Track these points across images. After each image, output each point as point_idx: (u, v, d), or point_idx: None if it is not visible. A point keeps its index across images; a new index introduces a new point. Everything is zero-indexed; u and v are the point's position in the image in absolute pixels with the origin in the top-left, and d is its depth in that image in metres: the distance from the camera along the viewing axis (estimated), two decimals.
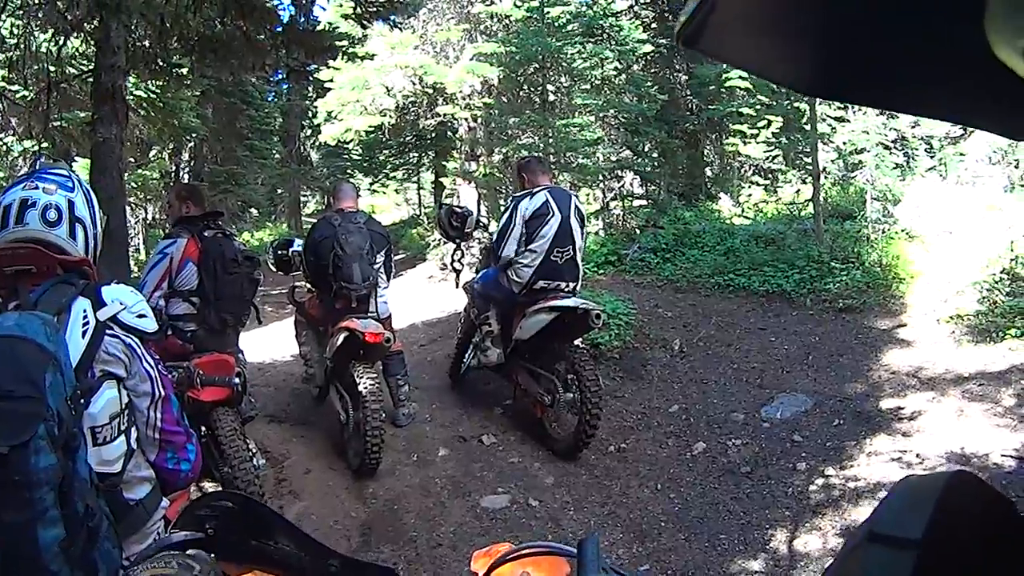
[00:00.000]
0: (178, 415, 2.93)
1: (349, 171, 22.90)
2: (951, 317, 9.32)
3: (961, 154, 14.71)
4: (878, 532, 0.72)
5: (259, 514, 1.88)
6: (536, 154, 12.24)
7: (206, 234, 5.95)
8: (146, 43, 10.67)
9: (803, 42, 0.81)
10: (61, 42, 10.50)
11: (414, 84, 15.00)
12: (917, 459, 6.73)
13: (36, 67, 11.25)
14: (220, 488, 5.35)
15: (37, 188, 2.69)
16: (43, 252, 2.63)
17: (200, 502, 1.97)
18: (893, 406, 7.69)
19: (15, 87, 11.79)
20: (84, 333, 2.56)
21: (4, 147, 14.20)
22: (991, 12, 0.61)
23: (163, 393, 2.82)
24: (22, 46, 10.90)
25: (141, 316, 2.78)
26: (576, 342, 7.35)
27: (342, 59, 14.87)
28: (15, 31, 11.18)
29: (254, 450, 6.07)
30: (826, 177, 13.48)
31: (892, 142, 14.18)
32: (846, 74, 0.85)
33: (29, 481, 2.19)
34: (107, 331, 2.63)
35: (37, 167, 2.81)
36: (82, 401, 2.45)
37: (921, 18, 0.70)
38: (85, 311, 2.59)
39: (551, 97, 15.41)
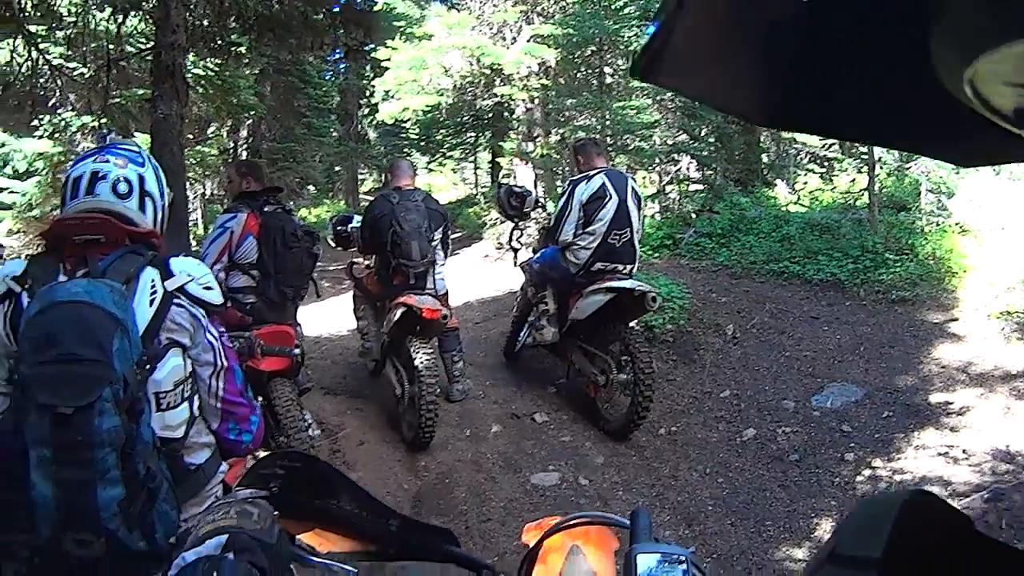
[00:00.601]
0: (242, 386, 2.99)
1: (406, 150, 23.00)
2: (1002, 313, 9.22)
3: None
4: (839, 553, 0.73)
5: (323, 474, 1.91)
6: (592, 136, 12.23)
7: (266, 209, 6.08)
8: (205, 22, 10.75)
9: (756, 73, 0.82)
10: (120, 20, 10.60)
11: (471, 64, 14.97)
12: (963, 455, 6.72)
13: (94, 44, 11.36)
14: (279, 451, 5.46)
15: (108, 161, 2.75)
16: (112, 222, 2.69)
17: (265, 461, 1.99)
18: (942, 400, 7.66)
19: (73, 64, 11.89)
20: (152, 302, 2.63)
21: (63, 122, 14.35)
22: (936, 43, 0.63)
23: (226, 364, 2.89)
24: (80, 24, 11.01)
25: (208, 288, 2.83)
26: (631, 324, 7.39)
27: (400, 39, 14.91)
28: (73, 9, 11.29)
29: (310, 421, 6.21)
30: (881, 167, 13.26)
31: None
32: (800, 105, 0.85)
33: (92, 442, 2.29)
34: (174, 301, 2.70)
35: (107, 141, 2.87)
36: (148, 367, 2.55)
37: (872, 50, 0.72)
38: (153, 281, 2.66)
39: (608, 79, 15.38)
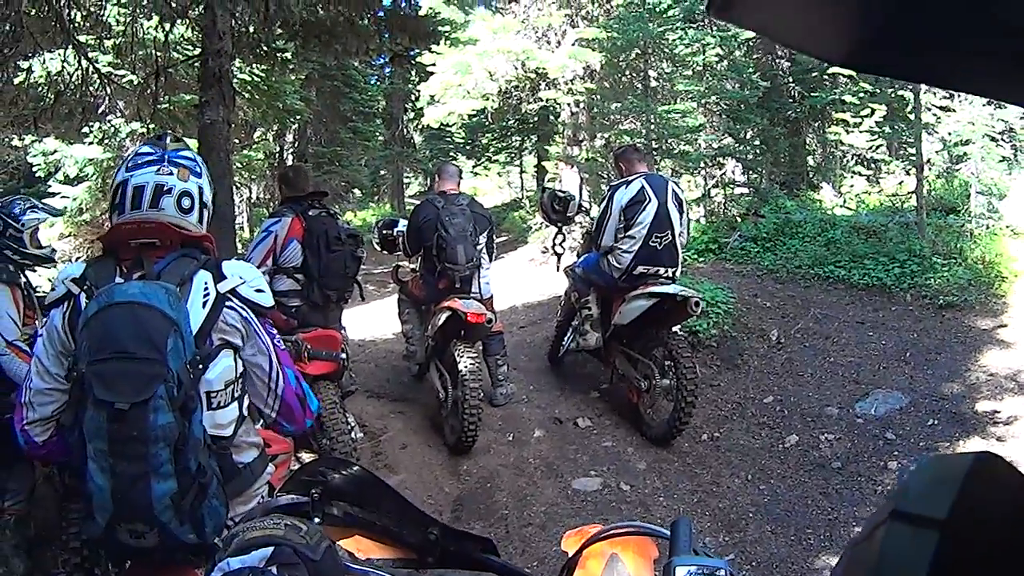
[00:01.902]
0: (298, 388, 3.08)
1: (452, 153, 23.08)
2: None
3: None
4: (901, 510, 0.70)
5: (365, 481, 1.94)
6: (634, 142, 12.21)
7: (310, 213, 6.14)
8: (251, 28, 10.84)
9: (835, 11, 0.78)
10: (168, 28, 10.72)
11: (516, 69, 14.95)
12: None
13: (142, 53, 11.49)
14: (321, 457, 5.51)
15: (172, 174, 2.85)
16: (168, 226, 2.80)
17: (308, 468, 2.04)
18: (989, 409, 7.57)
19: (121, 72, 12.04)
20: (205, 303, 2.74)
21: (112, 129, 14.53)
22: None
23: (279, 364, 2.98)
24: (128, 32, 11.15)
25: (259, 291, 2.93)
26: (674, 329, 7.43)
27: (445, 44, 14.95)
28: (120, 18, 11.43)
29: (353, 423, 6.26)
30: (930, 169, 13.13)
31: (999, 134, 13.71)
32: (881, 45, 0.81)
33: (147, 437, 2.40)
34: (226, 303, 2.80)
35: (167, 146, 2.95)
36: (200, 366, 2.65)
37: None
38: (206, 283, 2.77)
39: (653, 83, 15.31)
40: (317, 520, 1.71)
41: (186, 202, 2.87)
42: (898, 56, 0.85)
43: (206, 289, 2.76)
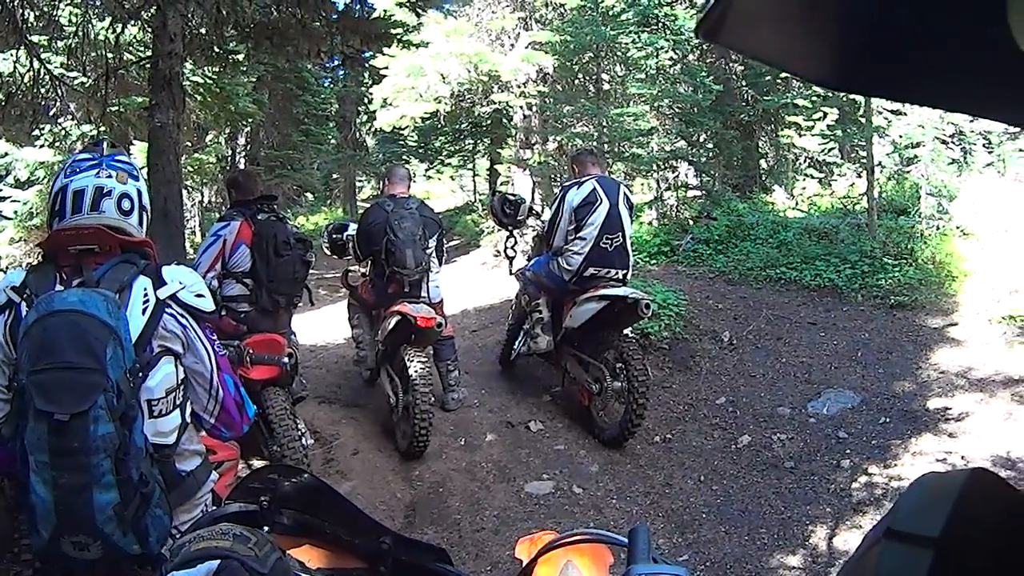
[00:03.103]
0: (236, 395, 3.05)
1: (404, 157, 22.97)
2: (1004, 318, 9.21)
3: (1021, 150, 14.48)
4: (895, 529, 0.71)
5: (314, 489, 1.90)
6: (589, 146, 12.24)
7: (259, 217, 6.08)
8: (202, 30, 10.77)
9: (826, 34, 0.79)
10: (119, 30, 10.62)
11: (469, 72, 14.96)
12: (962, 461, 6.70)
13: (94, 54, 11.39)
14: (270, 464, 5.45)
15: (111, 177, 2.82)
16: (107, 232, 2.75)
17: (256, 475, 1.99)
18: (941, 406, 7.65)
19: (73, 73, 11.93)
20: (144, 310, 2.69)
21: (63, 131, 14.39)
22: (1012, 5, 0.61)
23: (218, 370, 2.94)
24: (80, 33, 11.05)
25: (199, 296, 2.89)
26: (626, 331, 7.44)
27: (397, 46, 14.91)
28: (73, 19, 11.33)
29: (303, 429, 6.18)
30: (881, 171, 13.28)
31: (949, 137, 13.93)
32: (869, 67, 0.83)
33: (87, 448, 2.37)
34: (166, 309, 2.76)
35: (104, 152, 2.91)
36: (140, 374, 2.61)
37: (944, 8, 0.70)
38: (146, 289, 2.73)
39: (606, 86, 15.38)
40: (266, 529, 1.66)
41: (126, 204, 2.84)
42: (888, 77, 0.86)
43: (146, 295, 2.72)
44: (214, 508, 2.29)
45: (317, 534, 1.86)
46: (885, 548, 0.70)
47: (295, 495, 1.86)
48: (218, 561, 1.34)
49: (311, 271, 6.50)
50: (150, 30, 10.34)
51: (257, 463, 5.59)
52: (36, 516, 2.41)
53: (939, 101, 1.01)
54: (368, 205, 9.45)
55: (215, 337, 3.02)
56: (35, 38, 10.44)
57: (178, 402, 2.80)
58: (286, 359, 5.63)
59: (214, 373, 2.93)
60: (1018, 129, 14.41)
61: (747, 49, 0.86)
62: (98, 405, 2.39)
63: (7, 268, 14.59)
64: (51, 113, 13.44)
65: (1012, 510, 0.73)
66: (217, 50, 11.55)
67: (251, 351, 5.38)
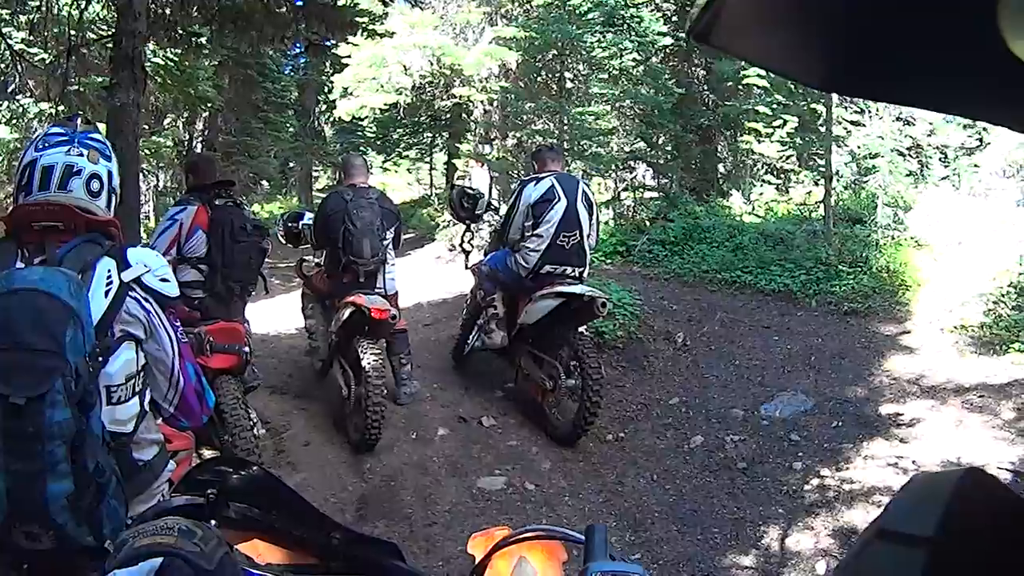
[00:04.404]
0: (197, 385, 3.02)
1: (362, 148, 23.01)
2: (955, 327, 9.34)
3: (976, 165, 14.65)
4: (889, 529, 0.71)
5: (263, 482, 1.89)
6: (551, 143, 12.26)
7: (216, 202, 5.99)
8: (167, 10, 10.69)
9: (817, 37, 0.79)
10: (83, 6, 10.51)
11: (431, 64, 14.95)
12: (913, 465, 6.76)
13: (56, 30, 11.28)
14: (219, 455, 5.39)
15: (83, 156, 2.75)
16: (73, 210, 2.69)
17: (203, 466, 1.99)
18: (892, 411, 7.72)
19: (34, 49, 11.81)
20: (107, 293, 2.63)
21: (21, 109, 14.26)
22: (1002, 7, 0.61)
23: (180, 358, 2.90)
24: (43, 9, 10.94)
25: (164, 280, 2.84)
26: (580, 329, 7.41)
27: (361, 35, 14.88)
28: None
29: (255, 419, 6.12)
30: (838, 180, 13.41)
31: (907, 149, 14.08)
32: (860, 69, 0.83)
33: (42, 434, 2.28)
34: (130, 292, 2.70)
35: (77, 128, 2.85)
36: (100, 359, 2.53)
37: (935, 11, 0.69)
38: (109, 271, 2.66)
39: (568, 84, 15.41)
40: (213, 523, 1.61)
41: (95, 185, 2.77)
42: (878, 79, 0.87)
43: (109, 277, 2.65)
44: (165, 499, 2.20)
45: (265, 528, 1.82)
46: (878, 548, 0.70)
47: (243, 488, 1.83)
48: (161, 559, 1.31)
49: (266, 259, 6.42)
50: (114, 8, 10.25)
51: (208, 453, 5.49)
52: None
53: (929, 103, 1.03)
54: (325, 195, 9.40)
55: (178, 324, 2.97)
56: None
57: (137, 389, 2.74)
58: (247, 348, 5.59)
59: (175, 361, 2.88)
60: (975, 145, 14.76)
61: (738, 51, 0.86)
62: (55, 389, 2.30)
63: None
64: (9, 90, 13.31)
65: (1007, 509, 0.72)
66: (181, 31, 11.48)
67: (211, 339, 5.33)
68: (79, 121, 2.92)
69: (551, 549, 1.89)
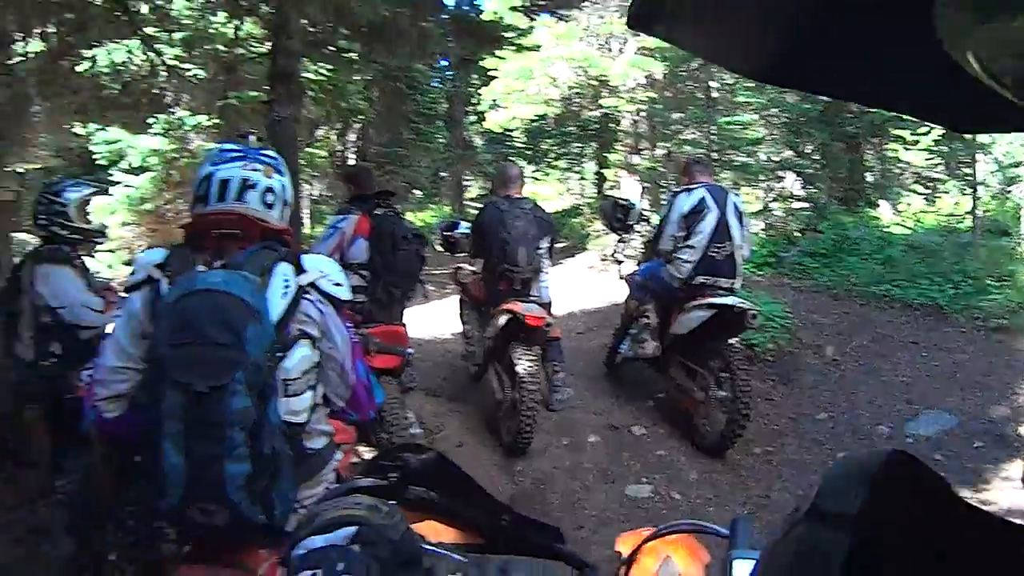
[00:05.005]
0: (367, 380, 3.22)
1: (512, 158, 22.90)
2: None
3: None
4: (816, 508, 0.72)
5: (441, 467, 1.96)
6: (700, 154, 12.25)
7: (376, 212, 6.26)
8: (319, 28, 11.00)
9: (752, 28, 0.81)
10: (238, 24, 10.90)
11: (578, 75, 15.01)
12: None
13: (209, 47, 11.68)
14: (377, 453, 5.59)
15: (257, 170, 2.98)
16: (249, 219, 2.93)
17: (387, 453, 2.11)
18: None
19: (187, 65, 12.21)
20: (285, 295, 2.83)
21: (177, 121, 14.77)
22: (939, 11, 0.64)
23: (352, 357, 3.10)
24: (198, 27, 11.37)
25: (337, 285, 3.03)
26: (732, 341, 7.43)
27: (508, 49, 15.07)
28: (189, 13, 11.64)
29: (412, 419, 6.35)
30: (984, 189, 13.04)
31: None
32: (794, 60, 0.84)
33: (224, 420, 2.52)
34: (305, 295, 2.91)
35: (251, 145, 3.08)
36: (279, 354, 2.76)
37: (872, 9, 0.72)
38: (286, 275, 2.87)
39: (714, 94, 15.37)
40: (393, 503, 1.70)
41: (270, 197, 2.98)
42: (818, 72, 0.89)
43: (286, 281, 2.85)
44: (337, 485, 2.30)
45: (440, 510, 1.94)
46: (805, 527, 0.72)
47: (422, 472, 1.94)
48: (356, 527, 1.45)
49: (424, 266, 6.66)
50: (266, 26, 10.67)
51: (364, 450, 5.75)
52: (167, 482, 2.52)
53: (864, 97, 1.05)
54: (477, 204, 9.60)
55: (351, 325, 3.16)
56: (150, 30, 10.76)
57: (311, 383, 2.93)
58: (410, 350, 5.83)
59: (348, 359, 3.06)
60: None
61: (675, 40, 0.89)
62: (236, 380, 2.51)
63: (116, 251, 15.18)
64: (165, 102, 13.80)
65: (928, 490, 0.73)
66: (332, 48, 11.84)
67: (376, 340, 5.59)
68: (253, 138, 3.15)
69: (695, 551, 1.99)
